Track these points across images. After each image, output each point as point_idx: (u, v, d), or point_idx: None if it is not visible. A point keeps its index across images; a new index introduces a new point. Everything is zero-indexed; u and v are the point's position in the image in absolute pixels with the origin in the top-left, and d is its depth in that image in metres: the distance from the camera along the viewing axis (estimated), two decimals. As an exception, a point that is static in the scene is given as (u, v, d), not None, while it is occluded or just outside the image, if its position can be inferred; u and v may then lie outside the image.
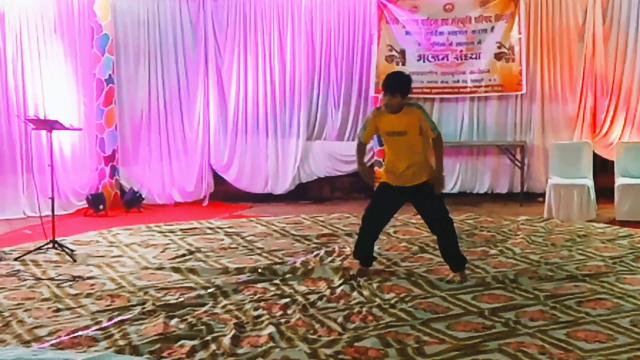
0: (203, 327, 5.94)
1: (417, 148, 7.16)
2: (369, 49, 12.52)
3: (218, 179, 13.00)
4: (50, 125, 8.80)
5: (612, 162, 11.27)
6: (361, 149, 7.63)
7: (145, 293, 6.93)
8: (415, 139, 7.13)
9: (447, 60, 12.25)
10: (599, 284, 7.03)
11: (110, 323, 6.04)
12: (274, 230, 9.79)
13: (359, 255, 7.60)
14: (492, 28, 12.06)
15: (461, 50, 12.22)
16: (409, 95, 7.33)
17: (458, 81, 12.28)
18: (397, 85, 7.11)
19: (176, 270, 7.74)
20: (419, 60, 12.30)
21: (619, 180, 10.72)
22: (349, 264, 7.76)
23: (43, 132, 10.25)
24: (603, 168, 11.64)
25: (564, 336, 5.65)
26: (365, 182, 8.28)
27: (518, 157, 12.17)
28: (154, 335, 5.72)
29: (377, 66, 12.35)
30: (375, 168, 11.76)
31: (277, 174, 12.83)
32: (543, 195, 11.09)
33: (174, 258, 8.30)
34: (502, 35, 12.02)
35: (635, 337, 5.59)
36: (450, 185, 12.44)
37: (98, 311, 6.39)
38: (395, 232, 9.43)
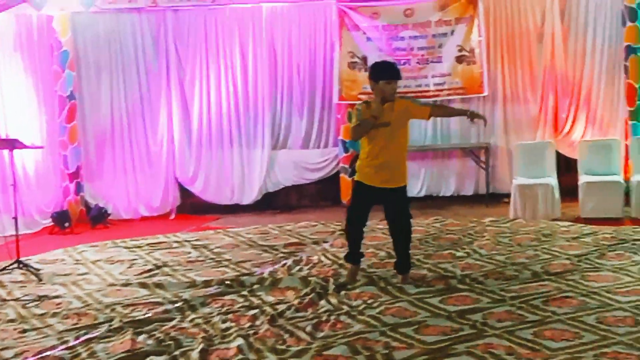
0: (171, 342, 5.91)
1: (399, 140, 7.16)
2: (331, 57, 12.54)
3: (184, 191, 12.94)
4: (11, 144, 8.73)
5: (575, 160, 11.35)
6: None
7: (112, 310, 6.88)
8: (398, 131, 7.15)
9: (409, 65, 12.30)
10: (565, 282, 7.09)
11: (77, 342, 6.00)
12: (242, 241, 9.77)
13: (352, 256, 7.56)
14: (453, 32, 12.13)
15: (423, 55, 12.28)
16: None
17: (421, 85, 12.33)
18: (397, 71, 7.26)
19: (143, 285, 7.69)
20: (381, 66, 12.30)
21: (582, 178, 10.81)
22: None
23: (5, 151, 10.16)
24: (566, 167, 11.74)
25: (531, 336, 5.68)
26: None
27: (482, 159, 12.24)
28: (122, 352, 5.69)
29: (340, 73, 12.38)
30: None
31: (243, 184, 12.80)
32: (508, 195, 11.14)
33: (140, 273, 8.24)
34: (463, 38, 12.10)
35: (601, 334, 5.64)
36: (417, 189, 12.52)
37: (65, 330, 6.34)
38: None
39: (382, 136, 7.06)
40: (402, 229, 7.32)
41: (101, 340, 6.00)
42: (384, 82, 7.06)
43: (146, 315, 6.65)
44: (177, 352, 5.67)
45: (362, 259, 7.63)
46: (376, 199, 7.28)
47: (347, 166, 12.29)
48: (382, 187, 7.14)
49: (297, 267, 8.13)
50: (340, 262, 8.14)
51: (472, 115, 7.33)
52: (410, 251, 7.49)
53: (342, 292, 7.07)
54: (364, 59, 12.34)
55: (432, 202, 12.37)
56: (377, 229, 9.84)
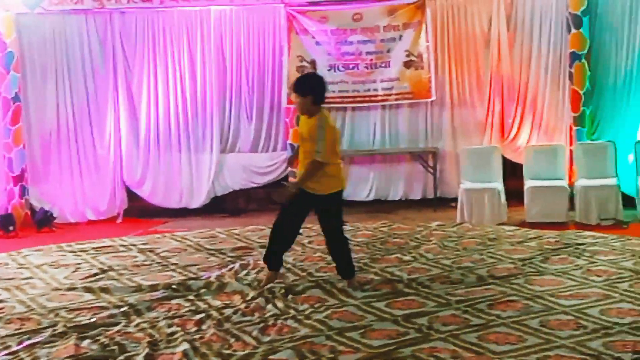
0: (115, 347, 5.87)
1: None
2: (280, 61, 12.52)
3: (132, 195, 12.83)
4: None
5: (521, 165, 11.48)
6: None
7: (56, 315, 6.79)
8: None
9: (358, 69, 12.35)
10: (509, 286, 7.17)
11: (19, 347, 5.93)
12: (189, 245, 9.71)
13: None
14: (401, 36, 12.19)
15: (371, 59, 12.32)
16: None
17: (369, 90, 12.38)
18: (299, 85, 7.19)
19: (88, 290, 7.60)
20: (329, 70, 12.34)
21: (528, 183, 10.95)
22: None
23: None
24: (513, 171, 11.86)
25: (475, 339, 5.75)
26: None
27: (430, 163, 12.32)
28: (65, 357, 5.66)
29: (288, 77, 12.33)
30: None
31: (191, 188, 12.73)
32: (456, 200, 11.24)
33: (86, 278, 8.13)
34: (411, 43, 12.17)
35: (544, 338, 5.72)
36: (365, 192, 12.59)
37: (7, 335, 6.25)
38: (310, 242, 9.43)
39: (301, 149, 7.33)
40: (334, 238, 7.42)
41: (44, 346, 5.94)
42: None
43: (91, 320, 6.58)
44: (121, 357, 5.65)
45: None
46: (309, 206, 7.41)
47: (295, 170, 12.27)
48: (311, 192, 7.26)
49: (245, 271, 8.11)
50: (288, 265, 8.15)
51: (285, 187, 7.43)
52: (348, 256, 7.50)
53: (289, 296, 7.07)
54: (313, 63, 12.34)
55: (380, 206, 12.42)
56: (324, 233, 9.87)
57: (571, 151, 11.51)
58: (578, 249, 8.58)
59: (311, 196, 7.11)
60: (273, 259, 7.51)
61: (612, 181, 10.72)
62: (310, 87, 7.15)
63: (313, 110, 7.09)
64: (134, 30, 12.53)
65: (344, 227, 7.47)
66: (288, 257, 8.36)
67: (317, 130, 7.00)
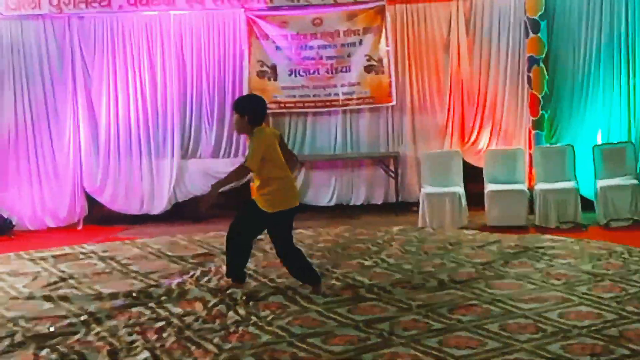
0: (75, 356, 5.84)
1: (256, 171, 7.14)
2: (241, 65, 12.49)
3: (92, 201, 12.72)
4: None
5: (482, 169, 11.56)
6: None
7: (15, 324, 6.69)
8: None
9: (318, 74, 12.36)
10: (470, 290, 7.22)
11: (-24, 358, 5.85)
12: (150, 252, 9.64)
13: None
14: (361, 41, 12.22)
15: (332, 64, 12.34)
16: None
17: (330, 94, 12.39)
18: (235, 104, 7.37)
19: (47, 298, 7.51)
20: (290, 75, 12.36)
21: (488, 187, 11.04)
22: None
23: None
24: (473, 175, 11.89)
25: (436, 344, 5.77)
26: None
27: (392, 167, 12.36)
28: (24, 367, 5.57)
29: (249, 82, 12.34)
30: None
31: (152, 194, 12.64)
32: (418, 204, 11.27)
33: (45, 286, 8.03)
34: (371, 48, 12.20)
35: (504, 341, 5.77)
36: (327, 198, 12.61)
37: (-36, 346, 6.17)
38: (271, 248, 9.36)
39: None
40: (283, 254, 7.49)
41: (2, 356, 5.87)
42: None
43: (50, 329, 6.51)
44: (81, 367, 5.59)
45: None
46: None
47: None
48: None
49: (206, 278, 8.07)
50: (250, 272, 8.13)
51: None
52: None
53: (251, 303, 7.05)
54: (274, 68, 12.35)
55: (342, 212, 12.44)
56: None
57: (530, 155, 11.60)
58: (538, 252, 8.67)
59: (261, 212, 7.14)
60: (236, 272, 7.55)
61: (571, 184, 10.84)
62: (250, 108, 7.20)
63: (248, 130, 7.14)
64: (92, 35, 12.41)
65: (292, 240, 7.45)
66: (249, 264, 8.34)
67: (251, 140, 7.13)
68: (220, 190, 7.16)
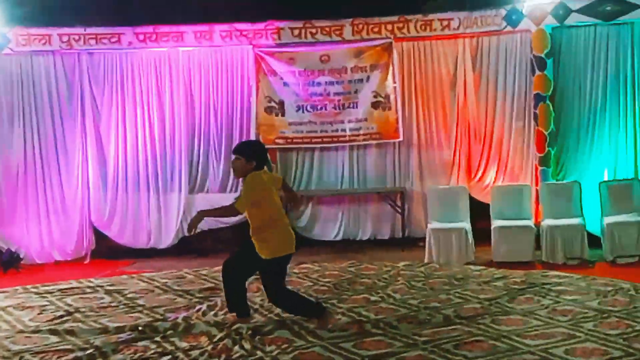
0: (81, 390, 5.82)
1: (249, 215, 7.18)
2: (248, 101, 12.59)
3: (100, 235, 12.76)
4: None
5: (488, 205, 11.56)
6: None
7: (21, 358, 6.70)
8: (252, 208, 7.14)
9: (326, 109, 12.44)
10: (476, 326, 7.18)
11: (-17, 391, 5.85)
12: (156, 286, 9.64)
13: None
14: (368, 78, 12.32)
15: (339, 100, 12.43)
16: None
17: (337, 130, 12.47)
18: (238, 149, 7.30)
19: (53, 332, 7.50)
20: (297, 110, 12.45)
21: (495, 223, 11.04)
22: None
23: None
24: (480, 211, 11.89)
25: (442, 380, 5.76)
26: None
27: (398, 203, 12.39)
28: (29, 401, 5.57)
29: (257, 117, 12.44)
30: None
31: (159, 228, 12.68)
32: (424, 239, 11.27)
33: (51, 320, 8.03)
34: (378, 84, 12.29)
35: (510, 377, 5.74)
36: (333, 233, 12.66)
37: (-30, 380, 6.19)
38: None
39: None
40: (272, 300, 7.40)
41: (8, 390, 5.87)
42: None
43: (57, 364, 6.53)
44: (86, 401, 5.60)
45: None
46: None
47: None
48: None
49: (212, 312, 8.06)
50: (256, 306, 8.13)
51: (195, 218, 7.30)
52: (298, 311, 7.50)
53: (256, 337, 7.05)
54: (281, 104, 12.44)
55: (349, 246, 12.45)
56: (292, 273, 9.87)
57: (537, 191, 11.62)
58: (544, 288, 8.63)
59: (256, 254, 7.16)
60: (237, 307, 7.56)
61: (577, 221, 10.84)
62: (257, 153, 7.23)
63: (248, 173, 7.15)
64: (102, 71, 12.54)
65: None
66: (256, 298, 8.37)
67: (245, 183, 7.14)
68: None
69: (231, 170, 12.15)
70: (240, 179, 7.41)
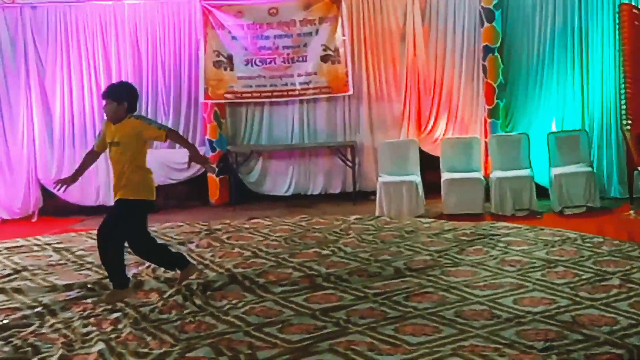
0: (29, 348, 5.79)
1: (124, 158, 7.08)
2: (197, 55, 12.43)
3: (48, 193, 12.57)
4: None
5: (438, 158, 11.61)
6: (89, 157, 7.73)
7: (-33, 317, 6.64)
8: (125, 150, 7.07)
9: (275, 63, 12.33)
10: (426, 278, 7.25)
11: None
12: (105, 243, 9.55)
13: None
14: (317, 31, 12.22)
15: (288, 54, 12.32)
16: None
17: (286, 84, 12.38)
18: (111, 92, 7.14)
19: (1, 291, 7.43)
20: (246, 65, 12.33)
21: (445, 175, 11.10)
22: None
23: None
24: (430, 164, 11.94)
25: (392, 332, 5.80)
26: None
27: (349, 156, 12.38)
28: (-24, 361, 5.51)
29: (205, 72, 12.30)
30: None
31: (108, 185, 12.45)
32: (375, 193, 11.31)
33: (-2, 278, 7.97)
34: (327, 37, 12.21)
35: (459, 328, 5.80)
36: (285, 187, 12.62)
37: None
38: (228, 238, 9.39)
39: (114, 154, 7.11)
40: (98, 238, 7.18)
41: (-46, 349, 5.79)
42: (104, 103, 7.16)
43: (3, 322, 6.45)
44: (35, 359, 5.54)
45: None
46: None
47: (214, 166, 12.26)
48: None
49: (162, 269, 8.01)
50: (206, 262, 8.11)
51: (196, 159, 7.36)
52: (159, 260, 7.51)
53: (207, 293, 7.03)
54: (230, 58, 12.31)
55: (300, 201, 12.44)
56: (243, 228, 9.86)
57: (486, 143, 11.69)
58: (493, 239, 8.72)
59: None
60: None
61: (526, 172, 10.93)
62: (127, 94, 7.15)
63: (123, 116, 7.07)
64: (45, 25, 12.28)
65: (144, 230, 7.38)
66: (206, 254, 8.36)
67: (147, 122, 7.22)
68: None
69: (188, 121, 12.39)
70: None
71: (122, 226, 7.08)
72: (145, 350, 5.67)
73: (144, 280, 7.55)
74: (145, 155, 7.20)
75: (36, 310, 6.76)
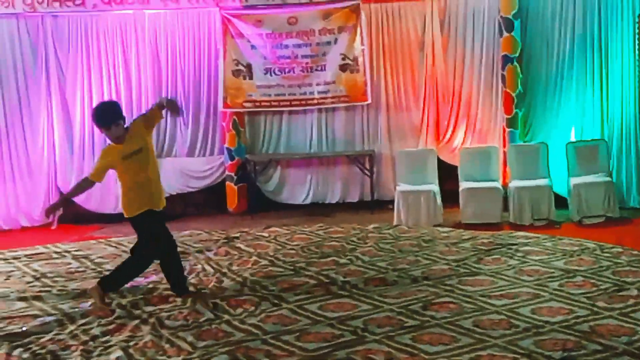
0: (48, 355, 5.84)
1: (151, 161, 7.36)
2: (216, 64, 12.47)
3: (67, 200, 12.61)
4: None
5: (456, 167, 11.58)
6: (85, 186, 7.69)
7: (-13, 324, 6.69)
8: (148, 152, 7.32)
9: (294, 72, 12.35)
10: (443, 287, 7.25)
11: (-52, 358, 5.81)
12: (124, 251, 9.53)
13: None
14: (336, 40, 12.23)
15: (307, 63, 12.34)
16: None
17: (305, 93, 12.39)
18: (107, 119, 7.12)
19: (20, 298, 7.49)
20: (265, 73, 12.35)
21: (463, 185, 11.08)
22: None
23: None
24: (448, 173, 11.91)
25: (409, 341, 5.81)
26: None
27: (367, 165, 12.38)
28: (-4, 367, 5.55)
29: (224, 81, 12.33)
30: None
31: (127, 193, 12.57)
32: (393, 202, 11.30)
33: (18, 285, 8.00)
34: (346, 46, 12.21)
35: (477, 337, 5.80)
36: (303, 196, 12.64)
37: (-64, 346, 6.13)
38: (247, 246, 9.41)
39: (133, 163, 7.27)
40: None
41: (-25, 356, 5.84)
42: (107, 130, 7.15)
43: (23, 329, 6.51)
44: (53, 366, 5.59)
45: None
46: None
47: (233, 174, 12.32)
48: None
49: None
50: (224, 270, 8.14)
51: (169, 105, 7.47)
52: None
53: (224, 301, 7.05)
54: (249, 67, 12.34)
55: (318, 210, 12.43)
56: (261, 236, 9.88)
57: (505, 153, 11.66)
58: (511, 249, 8.71)
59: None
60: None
61: (544, 182, 10.89)
62: (118, 111, 7.23)
63: (124, 131, 7.17)
64: (66, 34, 12.34)
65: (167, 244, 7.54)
66: (224, 262, 8.38)
67: (141, 115, 7.54)
68: None
69: (207, 129, 12.44)
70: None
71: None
72: (163, 357, 5.71)
73: (163, 288, 7.57)
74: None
75: (55, 317, 6.81)
